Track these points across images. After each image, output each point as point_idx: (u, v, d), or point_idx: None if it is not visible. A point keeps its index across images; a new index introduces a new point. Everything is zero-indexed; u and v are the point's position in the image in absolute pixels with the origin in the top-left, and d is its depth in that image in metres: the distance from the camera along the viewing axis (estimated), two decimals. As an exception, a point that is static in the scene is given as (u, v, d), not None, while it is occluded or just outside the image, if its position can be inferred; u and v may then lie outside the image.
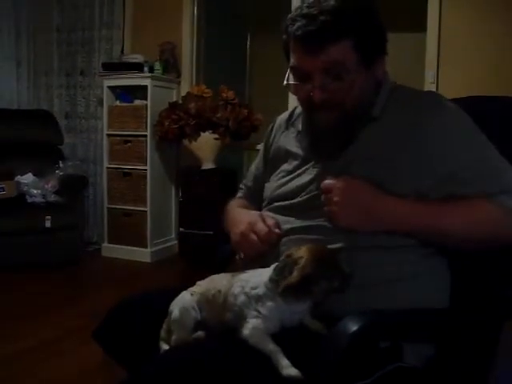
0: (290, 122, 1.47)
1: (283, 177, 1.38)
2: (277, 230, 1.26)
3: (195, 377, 1.00)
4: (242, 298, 1.13)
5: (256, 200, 1.51)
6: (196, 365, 1.02)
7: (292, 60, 1.24)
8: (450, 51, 3.76)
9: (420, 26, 3.94)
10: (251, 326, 1.08)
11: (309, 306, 1.13)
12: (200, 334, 1.19)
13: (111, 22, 4.78)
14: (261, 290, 1.11)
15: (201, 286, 1.25)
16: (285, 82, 1.28)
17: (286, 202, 1.32)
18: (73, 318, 3.06)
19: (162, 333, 1.24)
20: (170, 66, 4.57)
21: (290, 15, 1.23)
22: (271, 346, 1.05)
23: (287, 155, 1.40)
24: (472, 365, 1.21)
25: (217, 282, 1.22)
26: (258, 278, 1.14)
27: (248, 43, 5.68)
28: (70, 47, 5.02)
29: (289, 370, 1.01)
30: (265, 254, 1.26)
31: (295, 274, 1.06)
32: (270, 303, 1.09)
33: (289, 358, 1.02)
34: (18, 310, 3.19)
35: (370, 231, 1.17)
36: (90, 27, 4.89)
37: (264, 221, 1.28)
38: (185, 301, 1.22)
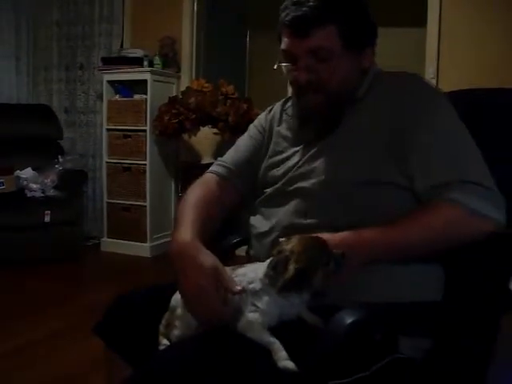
0: (284, 107, 1.51)
1: (274, 157, 1.42)
2: (238, 288, 1.12)
3: (196, 374, 1.00)
4: None
5: (237, 172, 1.49)
6: (197, 362, 1.02)
7: (282, 44, 1.30)
8: (451, 46, 3.76)
9: (420, 20, 3.93)
10: (248, 320, 1.09)
11: (307, 297, 1.13)
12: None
13: (111, 17, 4.76)
14: (257, 285, 1.12)
15: None
16: (275, 65, 1.33)
17: (275, 188, 1.36)
18: (72, 312, 3.06)
19: (161, 328, 1.24)
20: (170, 60, 4.56)
21: (283, 4, 1.29)
22: (269, 338, 1.06)
23: (279, 137, 1.44)
24: (470, 358, 1.21)
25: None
26: (254, 272, 1.14)
27: (248, 38, 5.67)
28: (69, 42, 5.00)
29: (285, 362, 1.01)
30: (223, 319, 1.13)
31: (290, 269, 1.06)
32: (266, 298, 1.10)
33: (286, 352, 1.03)
34: (18, 305, 3.19)
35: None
36: (89, 22, 4.87)
37: (219, 278, 1.13)
38: None
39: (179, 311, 1.20)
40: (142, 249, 4.47)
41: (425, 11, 3.84)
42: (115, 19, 4.76)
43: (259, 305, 1.10)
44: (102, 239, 4.67)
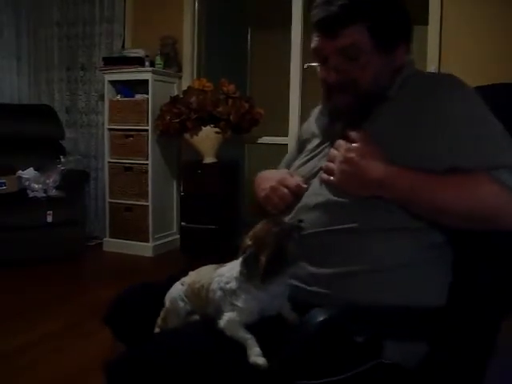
0: (321, 109, 1.51)
1: (305, 156, 1.43)
2: (304, 185, 1.33)
3: (175, 360, 1.07)
4: (218, 293, 1.17)
5: None
6: (176, 349, 1.09)
7: (312, 43, 1.29)
8: (452, 44, 3.75)
9: (422, 18, 3.92)
10: (227, 319, 1.13)
11: (286, 282, 1.17)
12: (195, 317, 1.25)
13: (112, 17, 4.77)
14: (233, 284, 1.15)
15: (191, 277, 1.31)
16: (306, 65, 1.34)
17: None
18: (74, 312, 3.07)
19: (159, 320, 1.31)
20: (171, 60, 4.56)
21: (315, 2, 1.27)
22: (245, 335, 1.09)
23: (312, 136, 1.46)
24: (466, 365, 1.19)
25: (202, 275, 1.27)
26: (230, 272, 1.18)
27: (249, 37, 5.67)
28: (70, 42, 5.01)
29: (256, 358, 1.04)
30: (291, 205, 1.33)
31: (262, 258, 1.10)
32: (244, 295, 1.13)
33: (264, 349, 1.05)
34: (19, 305, 3.20)
35: (367, 195, 1.20)
36: (90, 22, 4.88)
37: (292, 177, 1.38)
38: (175, 292, 1.29)
39: (168, 304, 1.29)
40: (144, 248, 4.47)
41: (426, 9, 3.84)
42: (116, 19, 4.76)
43: (237, 303, 1.13)
44: (105, 239, 4.67)
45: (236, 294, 1.14)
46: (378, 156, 1.20)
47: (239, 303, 1.13)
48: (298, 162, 1.45)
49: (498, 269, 1.20)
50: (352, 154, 1.21)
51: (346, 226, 1.20)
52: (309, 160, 1.40)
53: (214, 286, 1.19)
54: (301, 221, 1.19)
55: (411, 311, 1.16)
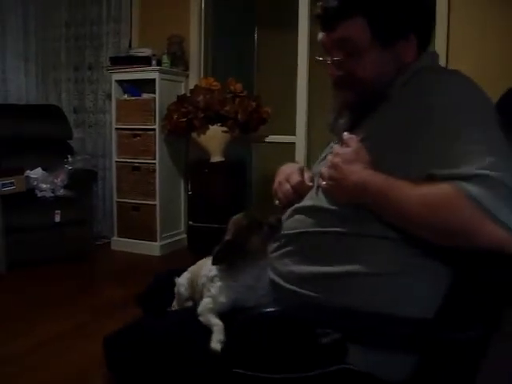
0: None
1: (327, 151, 1.42)
2: (309, 183, 1.34)
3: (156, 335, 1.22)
4: (203, 279, 1.27)
5: None
6: (157, 328, 1.25)
7: (318, 37, 1.28)
8: (460, 47, 3.71)
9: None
10: (203, 304, 1.21)
11: (266, 282, 1.23)
12: (188, 304, 1.38)
13: (118, 16, 4.77)
14: (213, 272, 1.23)
15: (196, 265, 1.42)
16: (316, 57, 1.32)
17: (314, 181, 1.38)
18: (83, 312, 3.07)
19: (174, 302, 1.45)
20: (178, 59, 4.56)
21: None
22: (214, 321, 1.17)
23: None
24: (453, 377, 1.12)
25: (201, 264, 1.38)
26: None
27: (256, 35, 5.66)
28: (77, 42, 5.02)
29: (215, 344, 1.11)
30: (293, 202, 1.35)
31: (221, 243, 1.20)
32: (218, 283, 1.21)
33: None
34: (27, 306, 3.20)
35: (350, 201, 1.17)
36: (97, 22, 4.89)
37: (301, 173, 1.39)
38: (182, 279, 1.42)
39: (175, 290, 1.43)
40: (151, 247, 4.48)
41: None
42: (123, 19, 4.77)
43: (212, 290, 1.21)
44: (112, 238, 4.68)
45: (213, 280, 1.22)
46: (362, 160, 1.15)
47: (213, 290, 1.20)
48: (321, 156, 1.45)
49: (482, 293, 1.11)
50: (337, 159, 1.18)
51: (333, 229, 1.18)
52: (326, 156, 1.38)
53: (202, 273, 1.29)
54: (279, 220, 1.26)
55: (389, 319, 1.11)
